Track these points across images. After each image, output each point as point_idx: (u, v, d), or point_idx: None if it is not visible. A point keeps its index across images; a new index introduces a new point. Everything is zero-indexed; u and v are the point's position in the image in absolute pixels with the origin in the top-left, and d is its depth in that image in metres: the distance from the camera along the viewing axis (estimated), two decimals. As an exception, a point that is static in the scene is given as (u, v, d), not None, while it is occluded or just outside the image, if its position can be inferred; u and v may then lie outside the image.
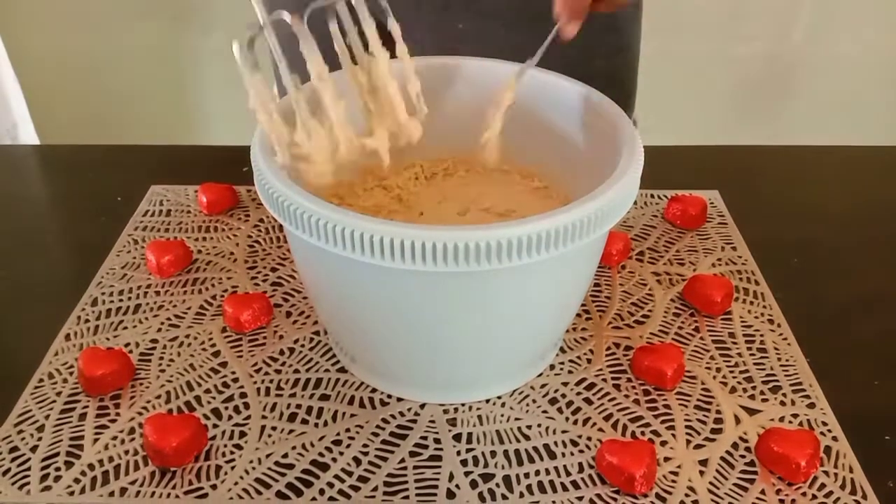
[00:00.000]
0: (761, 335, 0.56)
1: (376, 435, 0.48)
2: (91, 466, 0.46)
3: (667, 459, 0.47)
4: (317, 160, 0.46)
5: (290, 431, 0.48)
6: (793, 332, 0.56)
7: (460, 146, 0.57)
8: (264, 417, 0.49)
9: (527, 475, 0.46)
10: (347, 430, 0.49)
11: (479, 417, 0.50)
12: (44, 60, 1.52)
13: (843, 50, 1.57)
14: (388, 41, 0.48)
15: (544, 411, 0.50)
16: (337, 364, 0.53)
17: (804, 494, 0.45)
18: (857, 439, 0.48)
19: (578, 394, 0.51)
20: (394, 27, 0.47)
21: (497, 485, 0.45)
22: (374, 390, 0.51)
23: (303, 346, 0.55)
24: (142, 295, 0.59)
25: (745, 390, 0.51)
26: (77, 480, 0.45)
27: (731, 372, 0.53)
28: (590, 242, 0.43)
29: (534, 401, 0.51)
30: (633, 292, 0.59)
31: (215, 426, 0.49)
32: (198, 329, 0.56)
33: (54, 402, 0.50)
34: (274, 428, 0.49)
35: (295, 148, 0.46)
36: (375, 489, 0.45)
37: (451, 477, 0.46)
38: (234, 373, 0.52)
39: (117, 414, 0.49)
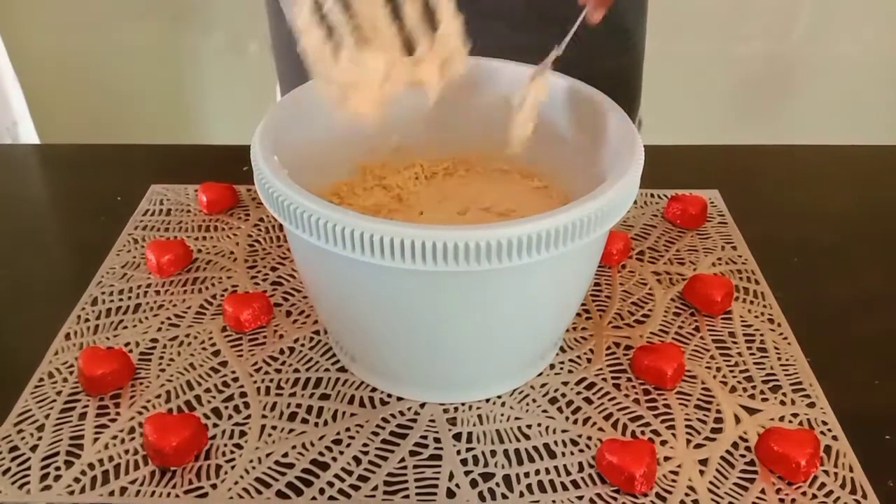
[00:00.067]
0: (761, 335, 0.56)
1: (376, 434, 0.48)
2: (91, 466, 0.46)
3: (667, 459, 0.47)
4: (366, 87, 0.45)
5: (291, 431, 0.48)
6: (793, 332, 0.56)
7: (461, 146, 0.57)
8: (264, 417, 0.49)
9: (527, 474, 0.46)
10: (347, 429, 0.49)
11: (479, 417, 0.50)
12: (44, 59, 1.52)
13: (843, 50, 1.57)
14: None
15: (544, 411, 0.50)
16: (337, 363, 0.53)
17: (804, 494, 0.45)
18: (857, 439, 0.48)
19: (578, 393, 0.51)
20: None
21: (497, 484, 0.45)
22: (374, 390, 0.51)
23: (303, 345, 0.55)
24: (142, 294, 0.59)
25: (745, 390, 0.51)
26: (77, 480, 0.45)
27: (732, 371, 0.53)
28: (590, 242, 0.43)
29: (534, 400, 0.51)
30: (633, 292, 0.59)
31: (215, 425, 0.49)
32: (198, 328, 0.56)
33: (54, 401, 0.50)
34: (274, 427, 0.49)
35: (342, 75, 0.45)
36: (375, 488, 0.45)
37: (451, 476, 0.46)
38: (234, 372, 0.52)
39: (117, 413, 0.49)
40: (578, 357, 0.54)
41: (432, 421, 0.49)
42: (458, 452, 0.47)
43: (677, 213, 0.66)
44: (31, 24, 1.51)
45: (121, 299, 0.58)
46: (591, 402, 0.51)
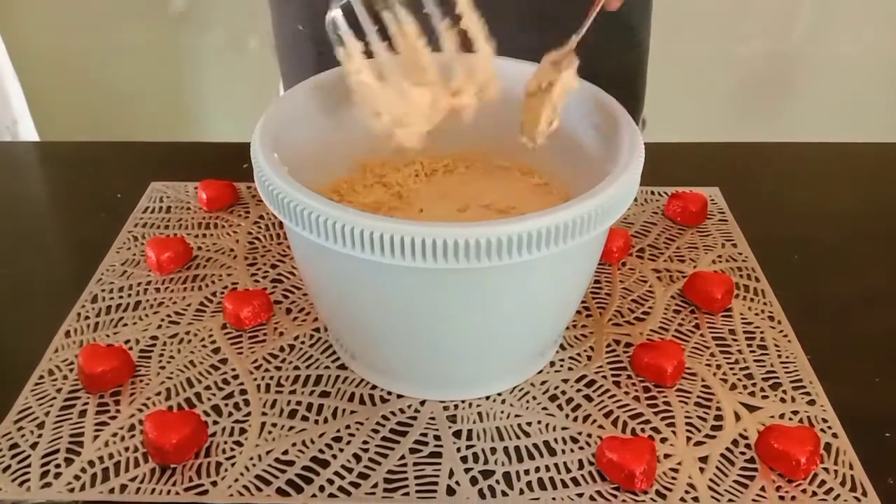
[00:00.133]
0: (761, 332, 0.56)
1: (376, 432, 0.48)
2: (91, 463, 0.46)
3: (667, 456, 0.47)
4: (413, 121, 0.48)
5: (291, 428, 0.48)
6: (793, 329, 0.56)
7: (461, 143, 0.57)
8: (264, 414, 0.49)
9: (527, 472, 0.46)
10: (348, 426, 0.49)
11: (479, 414, 0.50)
12: (44, 57, 1.52)
13: (843, 50, 1.57)
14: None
15: (544, 408, 0.50)
16: (337, 361, 0.53)
17: (804, 491, 0.45)
18: (857, 436, 0.48)
19: (578, 391, 0.51)
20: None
21: (497, 481, 0.45)
22: (374, 387, 0.51)
23: (303, 342, 0.55)
24: (142, 292, 0.59)
25: (745, 387, 0.51)
26: (77, 477, 0.45)
27: (732, 369, 0.53)
28: (590, 239, 0.43)
29: (534, 397, 0.51)
30: (633, 289, 0.59)
31: (215, 423, 0.49)
32: (198, 326, 0.56)
33: (54, 398, 0.50)
34: (274, 425, 0.49)
35: (390, 108, 0.48)
36: (375, 486, 0.45)
37: (451, 473, 0.46)
38: (234, 369, 0.52)
39: (117, 411, 0.49)
40: (578, 354, 0.54)
41: (432, 418, 0.49)
42: (459, 450, 0.47)
43: (678, 211, 0.66)
44: (30, 23, 1.51)
45: (121, 297, 0.58)
46: (591, 399, 0.50)
